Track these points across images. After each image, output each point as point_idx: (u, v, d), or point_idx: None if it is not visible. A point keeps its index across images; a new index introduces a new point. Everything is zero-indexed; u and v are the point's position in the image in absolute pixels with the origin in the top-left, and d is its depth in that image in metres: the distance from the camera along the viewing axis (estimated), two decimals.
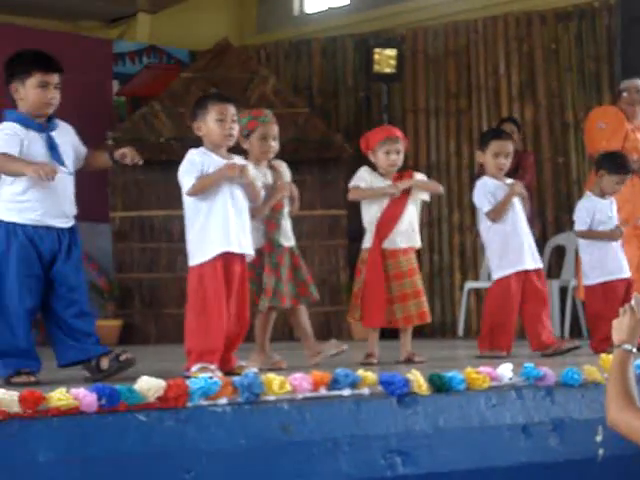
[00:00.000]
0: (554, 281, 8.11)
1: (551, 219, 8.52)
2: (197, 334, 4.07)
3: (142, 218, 8.58)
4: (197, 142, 4.36)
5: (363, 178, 5.05)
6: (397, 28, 9.25)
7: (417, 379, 3.11)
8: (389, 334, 5.39)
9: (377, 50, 8.58)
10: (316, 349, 4.71)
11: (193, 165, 4.15)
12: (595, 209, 5.63)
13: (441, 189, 5.35)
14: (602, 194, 5.69)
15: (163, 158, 8.36)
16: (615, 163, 5.75)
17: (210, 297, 4.05)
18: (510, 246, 5.37)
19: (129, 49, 9.69)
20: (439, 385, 3.17)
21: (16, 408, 2.46)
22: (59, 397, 2.52)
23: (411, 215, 5.03)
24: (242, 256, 4.20)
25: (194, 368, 3.99)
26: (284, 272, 4.67)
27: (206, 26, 10.00)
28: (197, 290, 4.08)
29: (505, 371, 3.35)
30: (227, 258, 4.11)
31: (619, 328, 2.75)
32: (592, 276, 5.64)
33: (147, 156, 8.33)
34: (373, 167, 5.11)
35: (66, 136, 3.97)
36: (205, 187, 4.10)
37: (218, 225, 4.09)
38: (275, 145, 4.72)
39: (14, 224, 3.80)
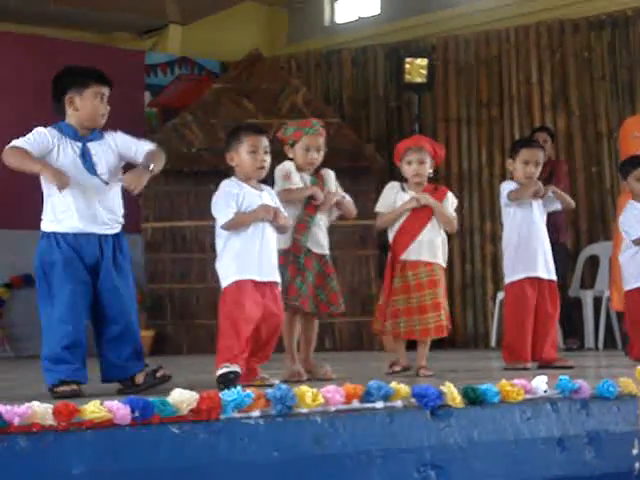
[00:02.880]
0: (588, 291, 8.05)
1: (584, 229, 8.46)
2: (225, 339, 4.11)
3: (173, 229, 8.63)
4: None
5: (384, 200, 4.96)
6: (428, 38, 9.24)
7: (451, 391, 3.08)
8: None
9: (408, 60, 8.58)
10: (309, 365, 4.72)
11: (230, 197, 4.18)
12: None
13: (454, 227, 4.97)
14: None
15: (194, 169, 8.43)
16: (627, 163, 5.76)
17: (238, 315, 4.08)
18: (523, 251, 5.30)
19: (161, 61, 9.77)
20: (473, 398, 3.14)
21: (50, 420, 2.46)
22: (93, 410, 2.51)
23: (433, 231, 4.89)
24: (268, 283, 4.22)
25: (220, 370, 4.02)
26: (311, 277, 4.67)
27: (237, 37, 10.06)
28: (228, 309, 4.11)
29: (540, 383, 3.31)
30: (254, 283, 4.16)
31: None
32: (632, 281, 5.54)
33: (179, 167, 8.51)
34: (404, 180, 5.03)
35: (107, 145, 3.96)
36: (240, 225, 4.17)
37: (243, 254, 4.15)
38: (318, 157, 4.75)
39: (54, 233, 3.84)
